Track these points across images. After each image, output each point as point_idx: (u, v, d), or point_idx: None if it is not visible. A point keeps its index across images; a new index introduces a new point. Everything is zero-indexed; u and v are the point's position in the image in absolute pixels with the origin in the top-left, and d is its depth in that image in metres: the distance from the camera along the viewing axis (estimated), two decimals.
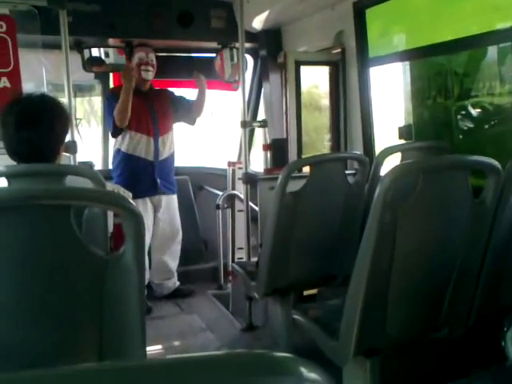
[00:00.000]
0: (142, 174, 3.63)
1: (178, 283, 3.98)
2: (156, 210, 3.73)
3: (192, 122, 3.96)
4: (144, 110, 3.68)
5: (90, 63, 3.92)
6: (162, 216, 3.76)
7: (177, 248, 3.90)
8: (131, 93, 3.52)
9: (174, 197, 3.84)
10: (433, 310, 1.84)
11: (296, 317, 2.14)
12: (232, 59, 4.07)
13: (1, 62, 2.52)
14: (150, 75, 3.72)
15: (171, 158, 3.82)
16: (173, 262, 3.90)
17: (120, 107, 3.53)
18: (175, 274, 3.96)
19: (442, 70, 2.84)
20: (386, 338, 1.76)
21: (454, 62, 2.82)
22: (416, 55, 2.97)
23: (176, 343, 3.16)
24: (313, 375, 0.42)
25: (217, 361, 0.42)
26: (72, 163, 2.66)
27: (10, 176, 1.70)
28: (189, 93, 4.17)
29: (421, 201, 1.67)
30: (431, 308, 1.84)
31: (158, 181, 3.70)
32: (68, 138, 2.65)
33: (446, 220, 1.75)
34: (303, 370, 0.42)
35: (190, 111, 3.90)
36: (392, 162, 2.66)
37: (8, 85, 2.53)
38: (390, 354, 1.90)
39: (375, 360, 1.84)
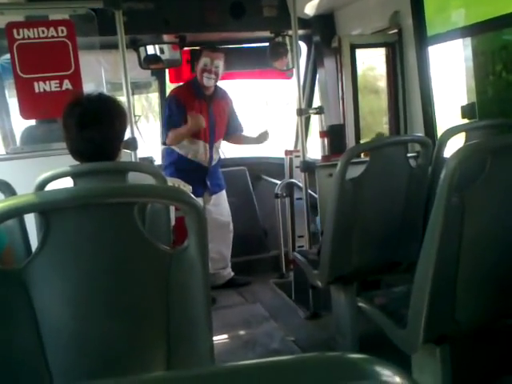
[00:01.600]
0: (195, 178, 3.68)
1: (232, 273, 4.04)
2: (206, 203, 3.81)
3: (228, 141, 4.04)
4: (203, 115, 3.68)
5: (147, 61, 4.00)
6: (212, 208, 3.85)
7: (229, 236, 3.98)
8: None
9: (223, 191, 3.94)
10: (505, 296, 1.77)
11: (361, 304, 2.11)
12: (285, 47, 4.04)
13: (63, 66, 2.61)
14: (211, 82, 3.70)
15: (219, 160, 3.94)
16: (227, 251, 3.98)
17: (177, 137, 3.62)
18: (229, 264, 4.03)
19: (507, 44, 2.69)
20: (455, 324, 1.71)
21: None
22: (479, 30, 2.83)
23: (241, 332, 3.20)
24: (394, 378, 0.40)
25: (289, 365, 0.40)
26: (133, 159, 2.73)
27: (75, 175, 1.77)
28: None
29: (489, 183, 1.61)
30: (503, 293, 1.77)
31: (208, 183, 3.81)
32: (128, 135, 2.73)
33: None
34: (383, 372, 0.40)
35: (234, 132, 3.97)
36: (455, 143, 2.56)
37: (70, 87, 2.62)
38: (460, 342, 1.85)
39: (445, 347, 1.79)
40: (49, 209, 1.07)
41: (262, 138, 3.96)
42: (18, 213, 1.10)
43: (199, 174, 3.75)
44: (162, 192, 1.17)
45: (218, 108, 3.84)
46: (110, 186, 1.23)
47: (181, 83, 4.10)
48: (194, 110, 3.66)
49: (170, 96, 3.83)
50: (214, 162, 3.84)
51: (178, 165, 3.73)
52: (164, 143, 3.76)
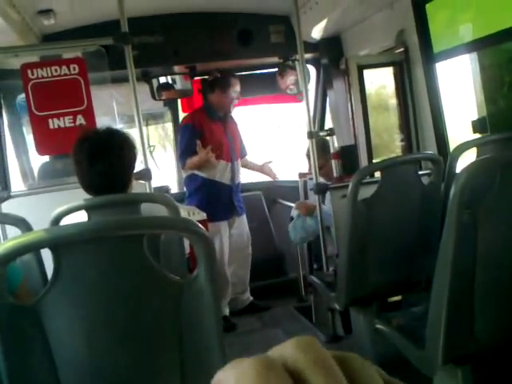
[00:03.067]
0: (223, 199, 3.74)
1: (251, 298, 4.04)
2: (230, 227, 3.85)
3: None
4: (222, 136, 3.79)
5: (160, 90, 4.08)
6: (235, 231, 3.89)
7: (248, 259, 4.00)
8: None
9: (244, 214, 3.99)
10: None
11: (379, 326, 2.09)
12: (293, 71, 4.08)
13: (76, 102, 2.68)
14: (232, 109, 3.88)
15: (239, 183, 3.99)
16: (245, 274, 3.99)
17: (192, 166, 3.71)
18: (248, 288, 4.03)
19: None
20: (475, 343, 1.67)
21: None
22: (485, 44, 2.83)
23: None
24: None
25: None
26: (148, 190, 2.76)
27: (89, 208, 1.80)
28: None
29: (501, 197, 1.59)
30: None
31: (236, 203, 3.85)
32: (142, 165, 2.77)
33: None
34: None
35: (243, 155, 4.11)
36: (468, 158, 2.54)
37: (83, 122, 2.68)
38: (483, 362, 1.81)
39: (467, 368, 1.76)
40: (58, 244, 1.09)
41: (267, 168, 4.21)
42: (28, 250, 1.12)
43: (226, 195, 3.79)
44: (168, 223, 1.18)
45: (232, 129, 3.94)
46: (115, 219, 1.26)
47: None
48: (212, 132, 3.74)
49: (184, 124, 3.87)
50: (236, 181, 3.88)
51: (205, 189, 3.75)
52: (183, 167, 3.84)
